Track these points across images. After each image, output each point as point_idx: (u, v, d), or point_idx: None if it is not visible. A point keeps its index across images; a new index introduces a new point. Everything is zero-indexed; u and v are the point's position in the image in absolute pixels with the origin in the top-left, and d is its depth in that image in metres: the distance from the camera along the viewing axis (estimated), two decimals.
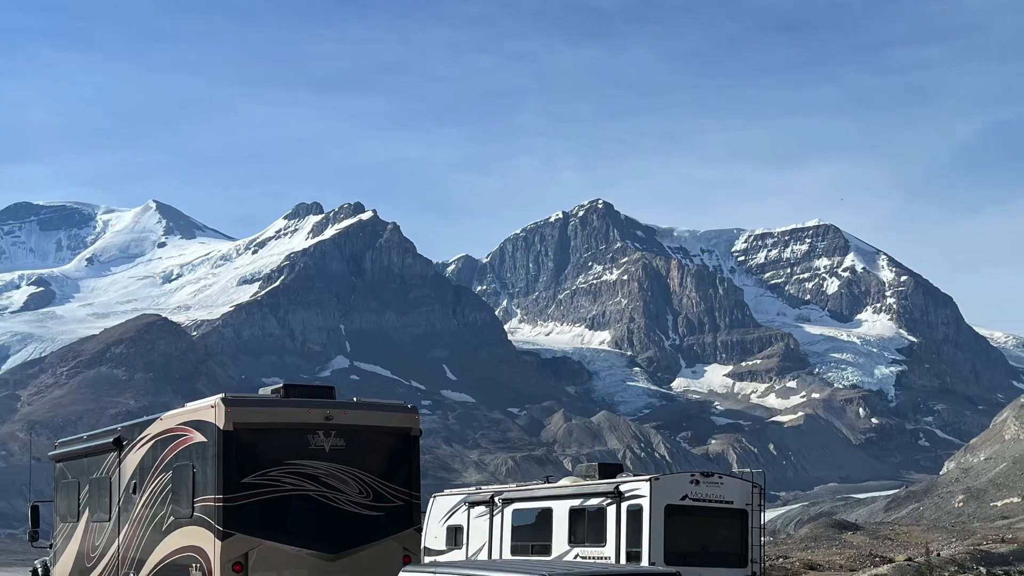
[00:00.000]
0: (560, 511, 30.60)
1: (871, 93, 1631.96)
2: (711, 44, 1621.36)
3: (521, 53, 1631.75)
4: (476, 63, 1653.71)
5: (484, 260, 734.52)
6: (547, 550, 30.49)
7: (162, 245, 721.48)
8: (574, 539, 29.88)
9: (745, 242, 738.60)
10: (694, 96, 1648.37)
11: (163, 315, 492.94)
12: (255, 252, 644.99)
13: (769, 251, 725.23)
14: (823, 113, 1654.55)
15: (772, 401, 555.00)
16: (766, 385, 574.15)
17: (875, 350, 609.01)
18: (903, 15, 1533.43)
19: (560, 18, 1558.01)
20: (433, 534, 35.64)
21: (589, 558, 28.74)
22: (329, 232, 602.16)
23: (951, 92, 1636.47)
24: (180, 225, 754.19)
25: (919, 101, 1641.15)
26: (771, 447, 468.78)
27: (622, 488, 28.71)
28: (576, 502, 30.15)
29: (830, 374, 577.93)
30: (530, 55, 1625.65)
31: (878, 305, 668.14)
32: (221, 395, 21.35)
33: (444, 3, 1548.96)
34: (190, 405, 22.95)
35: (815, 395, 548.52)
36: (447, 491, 38.87)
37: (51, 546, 30.43)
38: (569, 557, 29.63)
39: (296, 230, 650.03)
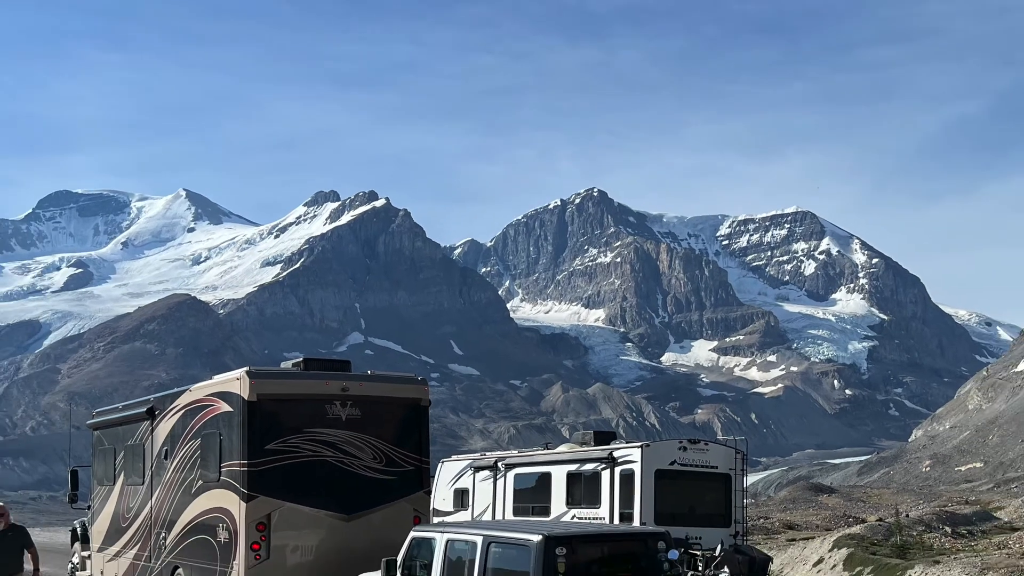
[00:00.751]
0: (558, 475, 30.57)
1: (841, 89, 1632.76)
2: (695, 45, 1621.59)
3: (522, 53, 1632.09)
4: (481, 62, 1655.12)
5: (488, 244, 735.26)
6: (546, 511, 30.47)
7: (191, 230, 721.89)
8: (571, 501, 29.85)
9: (729, 227, 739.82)
10: (680, 92, 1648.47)
11: (192, 295, 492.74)
12: (277, 236, 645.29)
13: (751, 235, 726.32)
14: (798, 107, 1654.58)
15: (754, 374, 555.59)
16: (748, 359, 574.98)
17: (849, 327, 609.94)
18: (870, 18, 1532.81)
19: (558, 21, 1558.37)
20: (441, 496, 35.62)
21: (585, 518, 28.73)
22: (345, 218, 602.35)
23: (915, 88, 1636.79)
24: (208, 211, 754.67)
25: (886, 96, 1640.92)
26: (753, 416, 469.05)
27: (615, 454, 28.66)
28: (573, 467, 30.10)
29: (807, 349, 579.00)
30: (531, 55, 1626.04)
31: (851, 285, 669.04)
32: (246, 368, 21.33)
33: (452, 7, 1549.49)
34: (217, 377, 22.92)
35: (793, 368, 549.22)
36: (454, 457, 38.79)
37: (89, 507, 30.41)
38: (566, 518, 29.61)
39: (315, 216, 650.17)
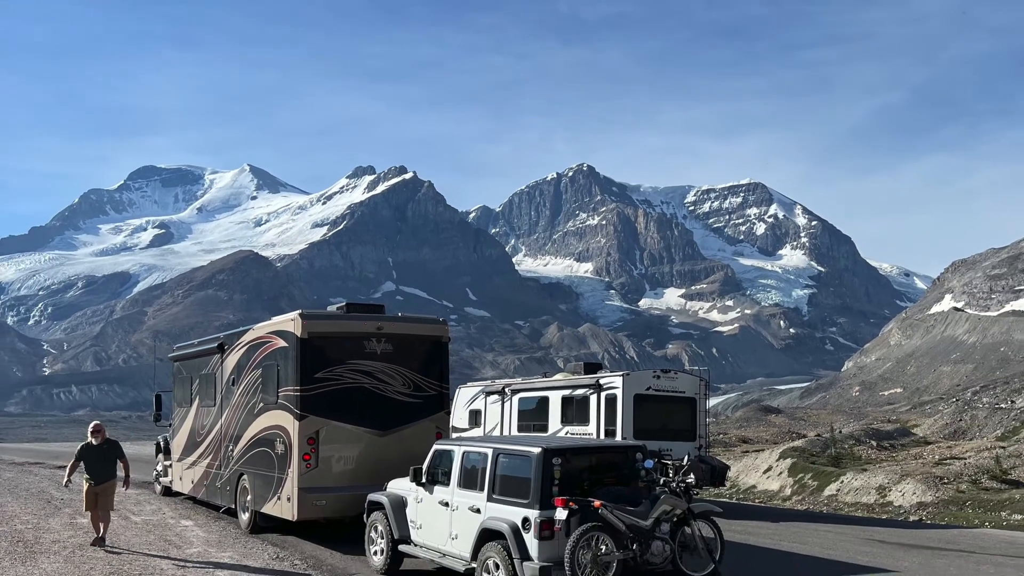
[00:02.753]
0: (555, 399, 30.51)
1: (788, 83, 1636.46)
2: (669, 46, 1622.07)
3: (525, 53, 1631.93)
4: (491, 61, 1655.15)
5: (497, 209, 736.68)
6: (544, 428, 30.43)
7: (254, 198, 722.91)
8: (565, 420, 29.78)
9: (694, 195, 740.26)
10: (656, 85, 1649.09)
11: (255, 251, 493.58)
12: (324, 203, 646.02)
13: (712, 202, 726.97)
14: (752, 98, 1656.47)
15: (715, 316, 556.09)
16: (710, 304, 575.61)
17: (792, 277, 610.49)
18: (812, 24, 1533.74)
19: (554, 27, 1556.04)
20: (459, 416, 35.57)
21: (577, 434, 28.71)
22: (380, 188, 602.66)
23: (848, 83, 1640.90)
24: (268, 183, 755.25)
25: (824, 89, 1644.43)
26: (714, 350, 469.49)
27: (601, 381, 28.58)
28: (567, 392, 30.03)
29: (758, 295, 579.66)
30: (531, 55, 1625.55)
31: (795, 243, 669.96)
32: (299, 311, 21.27)
33: (468, 16, 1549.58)
34: (275, 319, 22.85)
35: (747, 311, 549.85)
36: (469, 384, 38.72)
37: (170, 425, 30.48)
38: (561, 434, 29.57)
39: (355, 186, 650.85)
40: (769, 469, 39.04)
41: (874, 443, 48.46)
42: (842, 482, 34.35)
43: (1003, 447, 38.52)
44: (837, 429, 54.32)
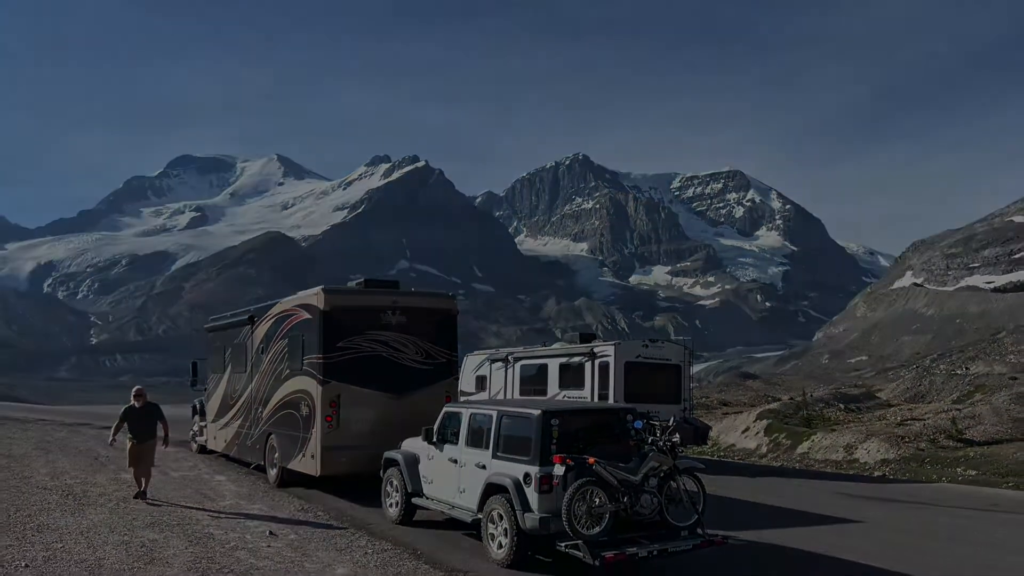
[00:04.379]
0: (553, 366, 30.49)
1: (762, 79, 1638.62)
2: (655, 46, 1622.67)
3: (527, 54, 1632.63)
4: (496, 59, 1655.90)
5: (501, 194, 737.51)
6: (544, 392, 30.42)
7: (281, 184, 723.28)
8: (563, 385, 29.76)
9: (679, 182, 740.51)
10: (644, 82, 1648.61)
11: (282, 232, 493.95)
12: (345, 189, 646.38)
13: (696, 188, 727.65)
14: (731, 92, 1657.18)
15: (698, 291, 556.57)
16: (694, 280, 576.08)
17: (768, 255, 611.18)
18: (785, 26, 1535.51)
19: (553, 30, 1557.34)
20: (466, 381, 35.54)
21: (573, 398, 28.72)
22: (396, 175, 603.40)
23: (817, 79, 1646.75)
24: (294, 170, 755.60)
25: (796, 85, 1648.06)
26: (697, 322, 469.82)
27: (595, 350, 28.56)
28: (564, 359, 30.01)
29: (737, 272, 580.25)
30: (533, 55, 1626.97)
31: (770, 225, 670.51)
32: (322, 287, 21.24)
33: (476, 20, 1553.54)
34: (300, 293, 22.82)
35: (727, 286, 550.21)
36: (476, 352, 38.67)
37: (205, 389, 30.49)
38: (559, 397, 29.59)
39: (373, 173, 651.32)
40: (747, 429, 39.08)
41: (842, 406, 48.49)
42: (813, 441, 34.40)
43: (958, 409, 38.53)
44: (808, 393, 54.34)
